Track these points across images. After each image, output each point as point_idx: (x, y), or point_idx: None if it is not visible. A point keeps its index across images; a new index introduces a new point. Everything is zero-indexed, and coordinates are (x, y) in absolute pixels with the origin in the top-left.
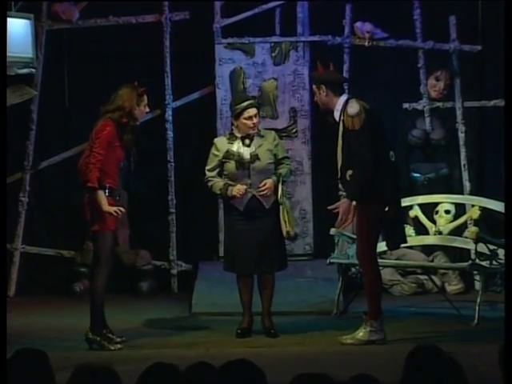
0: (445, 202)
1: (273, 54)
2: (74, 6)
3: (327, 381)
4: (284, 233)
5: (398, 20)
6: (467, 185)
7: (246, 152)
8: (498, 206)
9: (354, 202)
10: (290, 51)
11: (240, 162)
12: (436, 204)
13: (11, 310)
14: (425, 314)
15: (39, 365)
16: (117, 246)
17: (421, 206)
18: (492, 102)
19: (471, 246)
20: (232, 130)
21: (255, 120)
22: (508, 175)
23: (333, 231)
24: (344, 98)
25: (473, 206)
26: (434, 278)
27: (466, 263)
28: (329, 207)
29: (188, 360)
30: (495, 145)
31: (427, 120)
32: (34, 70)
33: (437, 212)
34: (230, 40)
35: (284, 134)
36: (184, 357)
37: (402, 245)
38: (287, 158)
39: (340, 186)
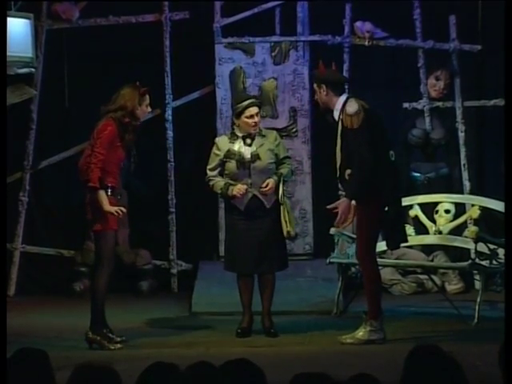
0: (445, 201)
1: (273, 54)
2: (74, 5)
3: (327, 380)
4: (285, 233)
5: (397, 19)
6: (467, 184)
7: (247, 151)
8: (497, 205)
9: (353, 202)
10: (289, 51)
11: (241, 161)
12: (436, 203)
13: (11, 309)
14: (425, 313)
15: (39, 364)
16: (117, 245)
17: (421, 205)
18: (492, 102)
19: (471, 245)
20: (233, 129)
21: (256, 119)
22: (508, 174)
23: (333, 231)
24: (344, 97)
25: (473, 205)
26: (434, 277)
27: (465, 263)
28: (328, 206)
29: (188, 359)
30: (495, 144)
31: (427, 119)
32: (33, 70)
33: (437, 211)
34: (229, 39)
35: (284, 134)
36: (184, 356)
37: (402, 244)
38: (288, 157)
39: (339, 185)
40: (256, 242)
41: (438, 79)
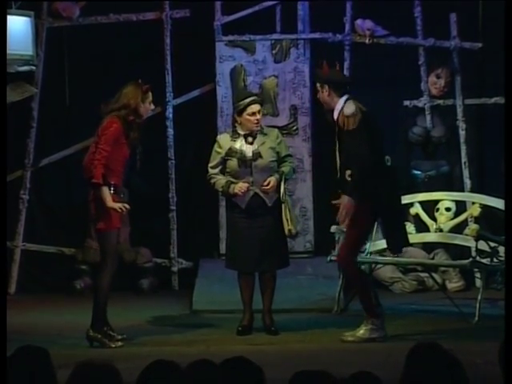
0: (445, 199)
1: (273, 52)
2: (75, 3)
3: (328, 378)
4: (286, 231)
5: (398, 17)
6: (468, 182)
7: (248, 150)
8: (498, 203)
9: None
10: (290, 49)
11: (242, 159)
12: (436, 201)
13: (12, 307)
14: (425, 311)
15: (40, 362)
16: (118, 243)
17: (421, 203)
18: (493, 100)
19: (472, 243)
20: (235, 127)
21: (258, 116)
22: (508, 172)
23: (333, 229)
24: (344, 98)
25: (473, 203)
26: (434, 275)
27: (466, 261)
28: (332, 202)
29: (189, 357)
30: (496, 142)
31: (428, 117)
32: (34, 68)
33: (437, 209)
34: (230, 37)
35: (284, 132)
36: (185, 354)
37: None
38: (290, 156)
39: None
40: (257, 240)
41: (438, 77)
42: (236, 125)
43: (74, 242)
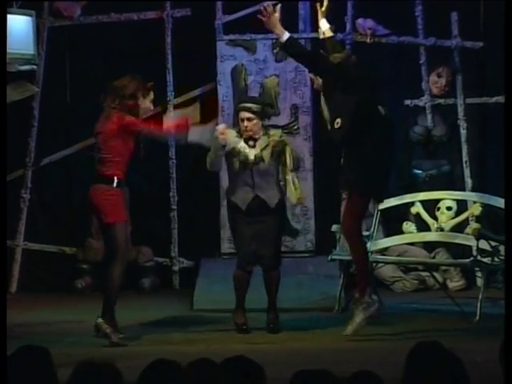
0: (446, 198)
1: (274, 51)
2: (76, 2)
3: (329, 377)
4: (295, 200)
5: (399, 16)
6: (469, 181)
7: (250, 153)
8: (499, 202)
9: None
10: None
11: (244, 162)
12: (438, 201)
13: (13, 306)
14: (426, 310)
15: (41, 361)
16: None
17: (422, 202)
18: (494, 99)
19: (473, 242)
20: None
21: (247, 123)
22: (507, 172)
23: (334, 228)
24: None
25: (474, 202)
26: (435, 274)
27: (467, 260)
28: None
29: (189, 356)
30: (497, 141)
31: (429, 116)
32: (35, 67)
33: (438, 209)
34: (231, 37)
35: (285, 131)
36: (185, 353)
37: (403, 242)
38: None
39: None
40: (254, 239)
41: (439, 76)
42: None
43: (75, 241)
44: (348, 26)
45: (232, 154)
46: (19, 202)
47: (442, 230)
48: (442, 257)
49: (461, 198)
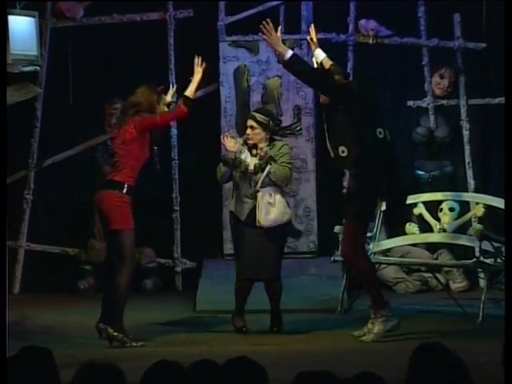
0: (449, 199)
1: (277, 52)
2: (79, 3)
3: (331, 378)
4: (261, 220)
5: (402, 17)
6: (471, 182)
7: (251, 162)
8: (502, 203)
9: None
10: (294, 49)
11: (244, 172)
12: (440, 202)
13: (16, 307)
14: (429, 311)
15: (44, 362)
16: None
17: (425, 203)
18: (496, 100)
19: (475, 243)
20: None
21: (248, 131)
22: (508, 173)
23: (337, 229)
24: None
25: (477, 203)
26: (438, 275)
27: (470, 261)
28: None
29: (192, 357)
30: (499, 142)
31: (431, 118)
32: (38, 68)
33: (441, 210)
34: (234, 38)
35: (288, 132)
36: (188, 354)
37: (406, 242)
38: (289, 162)
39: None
40: (254, 249)
41: (442, 77)
42: None
43: (77, 242)
44: (351, 27)
45: (235, 164)
46: (22, 203)
47: (444, 231)
48: (444, 258)
49: (463, 199)
